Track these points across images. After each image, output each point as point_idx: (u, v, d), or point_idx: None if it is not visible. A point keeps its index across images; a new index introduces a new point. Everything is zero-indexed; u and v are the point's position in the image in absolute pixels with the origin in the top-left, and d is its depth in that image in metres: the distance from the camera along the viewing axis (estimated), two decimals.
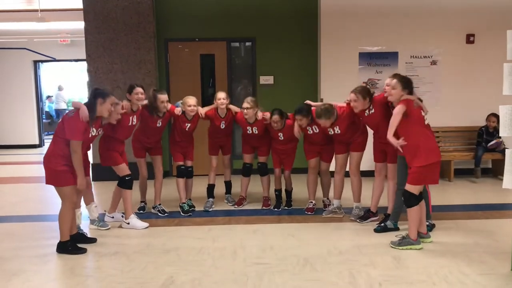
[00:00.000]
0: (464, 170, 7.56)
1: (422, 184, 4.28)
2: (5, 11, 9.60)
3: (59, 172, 4.21)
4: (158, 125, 5.39)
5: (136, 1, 7.55)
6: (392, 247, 4.33)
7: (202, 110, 5.57)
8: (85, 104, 4.34)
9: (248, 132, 5.67)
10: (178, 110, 5.44)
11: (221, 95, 5.58)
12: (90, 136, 4.46)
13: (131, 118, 5.06)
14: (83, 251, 4.35)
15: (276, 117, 5.35)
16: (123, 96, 5.27)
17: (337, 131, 5.12)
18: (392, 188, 4.92)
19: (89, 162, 4.88)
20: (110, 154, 5.01)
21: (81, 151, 4.24)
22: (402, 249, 4.26)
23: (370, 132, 5.13)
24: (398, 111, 4.21)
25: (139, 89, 5.06)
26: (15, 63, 12.24)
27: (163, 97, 5.29)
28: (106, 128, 4.87)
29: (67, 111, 4.80)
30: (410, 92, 4.36)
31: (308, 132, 5.38)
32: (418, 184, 4.23)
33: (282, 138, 5.54)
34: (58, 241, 4.39)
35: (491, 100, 7.38)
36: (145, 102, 5.23)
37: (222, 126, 5.69)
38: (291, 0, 7.85)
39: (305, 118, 5.22)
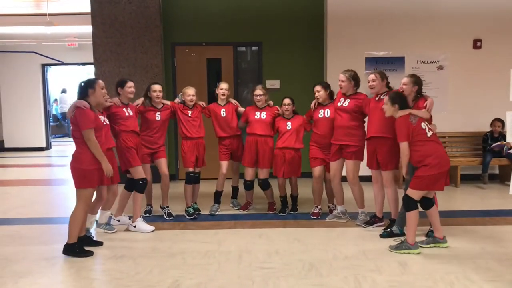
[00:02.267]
0: (470, 176, 7.52)
1: (424, 190, 4.28)
2: (14, 15, 9.70)
3: (86, 172, 4.22)
4: (157, 118, 5.44)
5: (143, 6, 7.60)
6: (390, 250, 4.36)
7: (203, 103, 5.76)
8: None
9: (256, 117, 5.67)
10: (177, 101, 5.62)
11: (223, 85, 5.75)
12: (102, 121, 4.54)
13: (125, 109, 5.13)
14: (90, 254, 4.37)
15: (287, 100, 5.55)
16: (133, 101, 5.35)
17: (345, 104, 5.13)
18: (391, 195, 4.93)
19: (117, 169, 4.89)
20: (126, 154, 5.05)
21: (95, 139, 4.22)
22: (400, 253, 4.29)
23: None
24: (405, 152, 4.30)
25: (131, 83, 5.21)
26: (24, 67, 12.35)
27: (156, 86, 5.46)
28: (112, 129, 5.00)
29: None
30: (402, 105, 4.42)
31: (319, 115, 5.38)
32: (419, 190, 4.26)
33: (290, 127, 5.53)
34: (65, 243, 4.41)
35: (498, 106, 7.38)
36: (141, 99, 5.44)
37: (223, 113, 5.72)
38: (298, 4, 7.87)
39: (323, 90, 5.36)
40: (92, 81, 4.46)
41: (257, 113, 5.69)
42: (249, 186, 5.87)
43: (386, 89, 4.93)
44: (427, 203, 4.39)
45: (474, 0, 7.44)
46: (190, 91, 5.58)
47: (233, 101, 5.89)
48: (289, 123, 5.57)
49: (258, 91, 5.71)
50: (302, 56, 7.95)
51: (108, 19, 7.61)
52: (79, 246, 4.38)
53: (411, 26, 7.49)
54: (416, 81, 4.65)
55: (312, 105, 5.53)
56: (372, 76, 4.97)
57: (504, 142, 7.13)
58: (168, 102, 5.63)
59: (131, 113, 5.19)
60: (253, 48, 8.17)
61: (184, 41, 7.98)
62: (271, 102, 5.80)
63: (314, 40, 7.88)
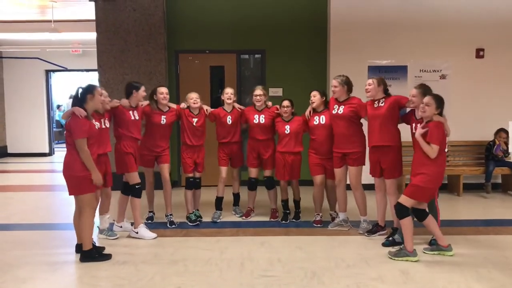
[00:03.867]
0: (473, 185, 7.51)
1: (416, 200, 4.31)
2: (20, 22, 9.78)
3: (80, 178, 4.24)
4: (162, 122, 5.45)
5: (147, 13, 7.66)
6: (389, 257, 4.37)
7: (208, 107, 5.78)
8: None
9: (255, 121, 5.69)
10: (182, 105, 5.64)
11: (229, 90, 5.77)
12: (97, 128, 4.56)
13: (131, 112, 5.15)
14: (109, 257, 4.40)
15: (286, 102, 5.57)
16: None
17: (340, 111, 5.15)
18: (394, 203, 4.92)
19: (111, 173, 4.94)
20: (125, 159, 5.07)
21: (87, 149, 4.23)
22: (398, 260, 4.31)
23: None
24: (433, 155, 4.23)
25: (144, 88, 5.29)
26: (28, 73, 12.42)
27: (162, 89, 5.51)
28: (115, 129, 5.06)
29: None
30: (441, 112, 4.40)
31: (314, 122, 5.40)
32: (413, 199, 4.29)
33: (289, 131, 5.55)
34: (77, 245, 4.45)
35: (501, 115, 7.39)
36: (147, 102, 5.46)
37: (229, 121, 5.73)
38: (301, 13, 7.91)
39: (319, 95, 5.39)
40: (92, 87, 4.47)
41: (256, 116, 5.71)
42: (253, 184, 5.88)
43: (383, 95, 4.95)
44: (421, 214, 4.40)
45: (477, 9, 7.47)
46: (193, 94, 5.62)
47: (237, 106, 5.89)
48: (287, 127, 5.57)
49: (258, 91, 5.73)
50: (305, 64, 7.98)
51: (113, 26, 7.66)
52: (97, 251, 4.40)
53: (414, 35, 7.51)
54: (426, 92, 4.56)
55: (307, 113, 5.52)
56: (369, 81, 5.03)
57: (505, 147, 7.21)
58: (174, 106, 5.65)
59: (137, 117, 5.21)
60: (256, 56, 8.21)
61: (188, 48, 8.03)
62: (269, 103, 5.82)
63: (317, 48, 7.91)
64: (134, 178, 5.11)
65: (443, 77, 7.60)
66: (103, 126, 4.78)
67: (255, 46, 8.04)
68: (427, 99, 4.36)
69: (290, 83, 7.96)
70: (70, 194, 4.35)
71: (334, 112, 5.22)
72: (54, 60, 12.13)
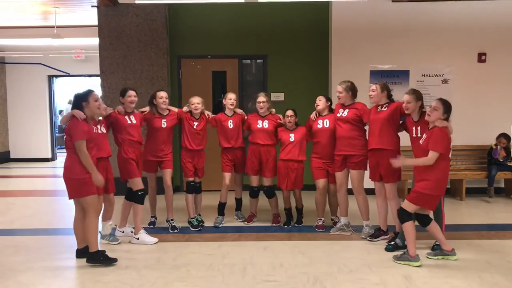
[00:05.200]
0: (475, 189, 7.50)
1: (420, 206, 4.31)
2: (22, 27, 9.82)
3: (80, 181, 4.24)
4: (163, 125, 5.44)
5: (150, 19, 7.69)
6: (393, 260, 4.39)
7: (209, 112, 5.78)
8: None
9: (258, 126, 5.69)
10: (184, 109, 5.64)
11: (231, 96, 5.77)
12: (95, 132, 4.59)
13: (127, 117, 5.16)
14: (114, 261, 4.40)
15: (290, 111, 5.59)
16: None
17: (344, 114, 5.20)
18: (394, 207, 4.92)
19: (112, 179, 4.94)
20: (126, 165, 5.07)
21: (86, 151, 4.24)
22: (400, 263, 4.32)
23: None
24: (430, 162, 4.22)
25: (132, 92, 5.22)
26: (30, 78, 12.46)
27: (162, 93, 5.49)
28: (115, 137, 5.07)
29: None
30: (448, 117, 4.39)
31: (318, 125, 5.42)
32: (416, 205, 4.28)
33: (293, 139, 5.55)
34: (77, 250, 4.46)
35: (503, 119, 7.40)
36: (147, 108, 5.48)
37: (230, 125, 5.73)
38: (303, 18, 7.93)
39: (324, 100, 5.48)
40: (86, 94, 4.46)
41: (259, 121, 5.72)
42: (255, 193, 5.87)
43: (387, 101, 4.98)
44: (424, 220, 4.40)
45: (479, 14, 7.47)
46: (195, 99, 5.61)
47: (239, 111, 5.89)
48: (292, 135, 5.59)
49: (261, 98, 5.75)
50: (307, 69, 7.99)
51: (115, 32, 7.69)
52: (103, 254, 4.40)
53: (415, 40, 7.52)
54: (418, 96, 4.65)
55: (313, 115, 5.57)
56: (372, 87, 5.07)
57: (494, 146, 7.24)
58: (176, 109, 5.66)
59: (134, 121, 5.20)
60: (258, 61, 8.22)
61: (190, 53, 8.05)
62: (273, 110, 5.84)
63: (319, 53, 7.93)
64: (137, 184, 5.11)
65: (445, 81, 7.59)
66: (99, 132, 4.77)
67: (257, 51, 8.05)
68: (435, 103, 4.37)
69: (292, 88, 7.98)
70: (70, 197, 4.36)
71: (338, 115, 5.27)
72: (57, 66, 12.18)
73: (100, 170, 4.49)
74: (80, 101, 4.40)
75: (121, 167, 5.13)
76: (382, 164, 4.89)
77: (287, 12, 7.86)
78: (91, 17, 8.29)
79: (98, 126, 4.79)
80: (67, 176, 4.30)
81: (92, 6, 7.80)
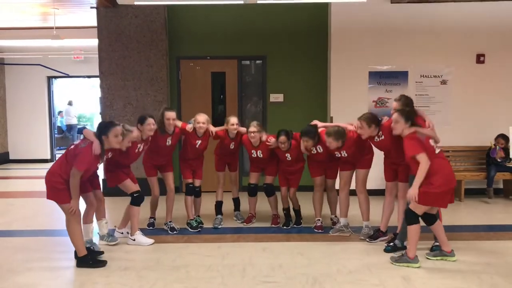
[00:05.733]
0: (474, 190, 7.50)
1: (429, 205, 4.28)
2: (22, 28, 9.81)
3: (59, 190, 4.25)
4: (167, 143, 5.41)
5: (149, 20, 7.69)
6: (391, 262, 4.38)
7: (213, 129, 5.64)
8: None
9: (253, 155, 5.73)
10: (189, 127, 5.49)
11: (233, 121, 5.66)
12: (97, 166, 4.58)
13: (139, 145, 5.08)
14: (104, 264, 4.39)
15: (282, 137, 5.39)
16: (135, 112, 5.34)
17: (344, 155, 5.18)
18: (402, 207, 4.91)
19: (98, 176, 4.90)
20: (114, 174, 5.05)
21: (78, 180, 4.22)
22: (399, 265, 4.31)
23: (377, 150, 5.14)
24: (425, 165, 4.14)
25: (151, 120, 5.07)
26: (30, 79, 12.45)
27: (170, 114, 5.33)
28: (113, 153, 4.91)
29: (79, 139, 4.79)
30: (413, 122, 4.38)
31: (312, 152, 5.42)
32: (423, 205, 4.25)
33: (290, 158, 5.56)
34: (76, 252, 4.43)
35: (502, 120, 7.41)
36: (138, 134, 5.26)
37: (232, 146, 5.78)
38: (302, 19, 7.94)
39: (311, 140, 5.26)
40: (107, 129, 4.39)
41: (253, 151, 5.70)
42: (253, 190, 5.88)
43: (378, 129, 4.84)
44: (430, 219, 4.40)
45: (478, 15, 7.48)
46: (201, 118, 5.47)
47: (240, 130, 5.75)
48: (288, 155, 5.55)
49: (252, 128, 5.55)
50: (306, 70, 7.99)
51: (114, 33, 7.70)
52: (92, 258, 4.39)
53: (414, 41, 7.53)
54: (406, 102, 4.65)
55: (303, 149, 5.43)
56: (357, 123, 4.86)
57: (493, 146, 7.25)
58: (179, 124, 5.50)
59: (140, 149, 5.14)
60: (257, 61, 8.23)
61: (189, 54, 8.05)
62: (265, 137, 5.61)
63: (318, 54, 7.93)
64: (128, 187, 5.06)
65: (443, 82, 7.61)
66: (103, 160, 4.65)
67: (256, 52, 8.06)
68: (395, 116, 4.41)
69: (291, 89, 7.99)
70: (47, 198, 4.33)
71: (376, 140, 4.95)
72: (56, 67, 12.18)
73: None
74: (101, 132, 4.36)
75: (108, 176, 5.07)
76: (402, 164, 4.73)
77: (286, 13, 7.86)
78: (90, 18, 8.30)
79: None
80: (48, 180, 4.29)
81: (92, 7, 7.80)
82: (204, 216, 5.95)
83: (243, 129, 5.78)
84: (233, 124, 5.65)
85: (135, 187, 5.09)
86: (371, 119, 4.84)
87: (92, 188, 4.73)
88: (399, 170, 4.89)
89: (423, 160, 4.16)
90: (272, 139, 5.54)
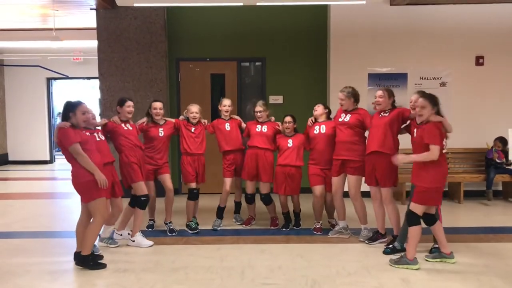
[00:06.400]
0: (474, 192, 7.51)
1: (427, 204, 4.30)
2: (21, 30, 9.82)
3: (88, 183, 4.22)
4: (160, 134, 5.47)
5: (148, 21, 7.70)
6: (390, 264, 4.38)
7: (206, 120, 5.83)
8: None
9: (257, 130, 5.72)
10: (181, 118, 5.67)
11: (226, 102, 5.82)
12: (96, 140, 4.61)
13: (123, 125, 5.14)
14: (103, 266, 4.38)
15: (288, 118, 5.58)
16: (134, 113, 5.36)
17: (346, 119, 5.19)
18: (391, 212, 4.93)
19: (119, 182, 4.92)
20: (128, 169, 5.05)
21: (82, 152, 4.20)
22: (398, 267, 4.31)
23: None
24: (434, 157, 4.16)
25: (130, 103, 5.23)
26: (29, 80, 12.47)
27: (156, 104, 5.50)
28: (114, 145, 5.04)
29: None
30: (438, 109, 4.38)
31: (315, 131, 5.43)
32: (423, 204, 4.27)
33: (291, 144, 5.55)
34: (75, 253, 4.43)
35: (501, 122, 7.41)
36: (145, 119, 5.49)
37: (227, 127, 5.76)
38: (301, 20, 7.95)
39: (322, 106, 5.54)
40: (73, 105, 4.41)
41: (258, 126, 5.75)
42: (250, 199, 5.88)
43: (391, 107, 4.96)
44: (430, 219, 4.41)
45: (477, 17, 7.50)
46: (194, 108, 5.63)
47: (235, 117, 5.93)
48: (290, 141, 5.58)
49: (258, 107, 5.79)
50: (305, 72, 8.00)
51: (114, 34, 7.70)
52: (93, 259, 4.39)
53: (414, 43, 7.54)
54: (435, 101, 4.50)
55: (309, 121, 5.58)
56: (379, 92, 4.99)
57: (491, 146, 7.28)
58: (173, 120, 5.66)
59: (130, 128, 5.20)
60: (257, 63, 8.23)
61: (189, 56, 8.06)
62: (272, 118, 5.86)
63: (317, 56, 7.94)
64: (140, 189, 5.09)
65: (443, 84, 7.62)
66: (98, 139, 4.74)
67: (255, 54, 8.07)
68: (421, 102, 4.35)
69: (290, 91, 7.99)
70: (85, 202, 4.34)
71: (340, 120, 5.25)
72: (56, 68, 12.19)
73: (107, 174, 4.45)
74: (67, 111, 4.37)
75: (123, 172, 5.10)
76: (379, 168, 4.88)
77: (285, 15, 7.88)
78: (90, 19, 8.30)
79: (96, 135, 4.75)
80: (75, 182, 4.29)
81: (91, 9, 7.81)
82: (203, 217, 5.94)
83: (239, 118, 5.90)
84: (225, 105, 5.76)
85: (145, 190, 5.12)
86: (392, 92, 5.01)
87: (110, 195, 4.71)
88: (377, 175, 4.92)
89: (435, 152, 4.16)
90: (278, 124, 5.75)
